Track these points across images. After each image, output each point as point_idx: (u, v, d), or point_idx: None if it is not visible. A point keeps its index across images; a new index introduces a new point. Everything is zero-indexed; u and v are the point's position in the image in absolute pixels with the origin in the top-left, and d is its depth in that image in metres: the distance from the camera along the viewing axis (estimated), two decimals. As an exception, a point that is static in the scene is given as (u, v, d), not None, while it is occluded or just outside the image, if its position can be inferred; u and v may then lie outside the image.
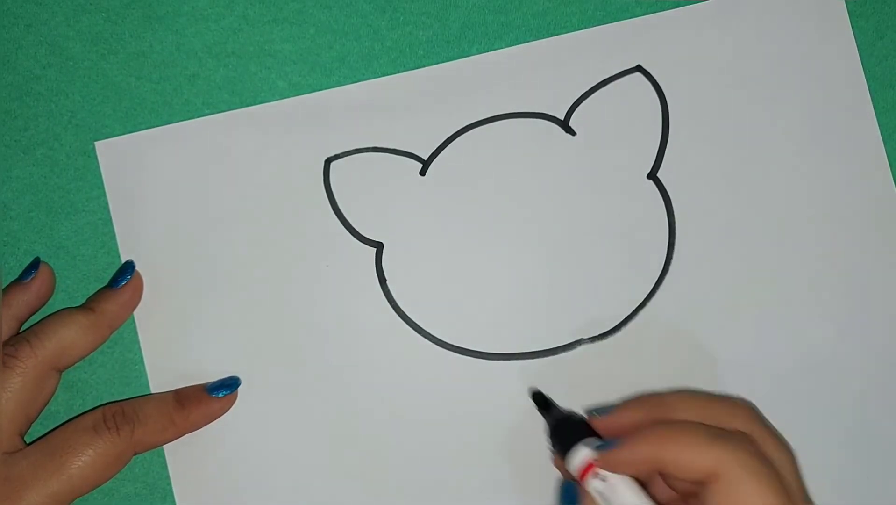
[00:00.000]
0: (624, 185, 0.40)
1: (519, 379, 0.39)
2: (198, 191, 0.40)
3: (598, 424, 0.35)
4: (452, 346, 0.39)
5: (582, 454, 0.33)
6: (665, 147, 0.40)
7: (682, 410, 0.33)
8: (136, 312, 0.39)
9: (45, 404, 0.37)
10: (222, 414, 0.38)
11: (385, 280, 0.39)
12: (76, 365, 0.38)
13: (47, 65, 0.40)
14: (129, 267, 0.39)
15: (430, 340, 0.39)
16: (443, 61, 0.40)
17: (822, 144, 0.40)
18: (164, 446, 0.38)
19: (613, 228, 0.40)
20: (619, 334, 0.39)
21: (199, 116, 0.40)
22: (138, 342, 0.39)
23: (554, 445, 0.36)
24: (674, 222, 0.40)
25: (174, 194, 0.40)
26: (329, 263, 0.39)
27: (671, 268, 0.39)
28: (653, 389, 0.39)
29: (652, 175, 0.40)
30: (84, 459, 0.34)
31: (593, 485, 0.33)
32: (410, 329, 0.39)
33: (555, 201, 0.40)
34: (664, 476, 0.33)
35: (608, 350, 0.39)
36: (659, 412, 0.33)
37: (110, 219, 0.39)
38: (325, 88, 0.40)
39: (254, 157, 0.40)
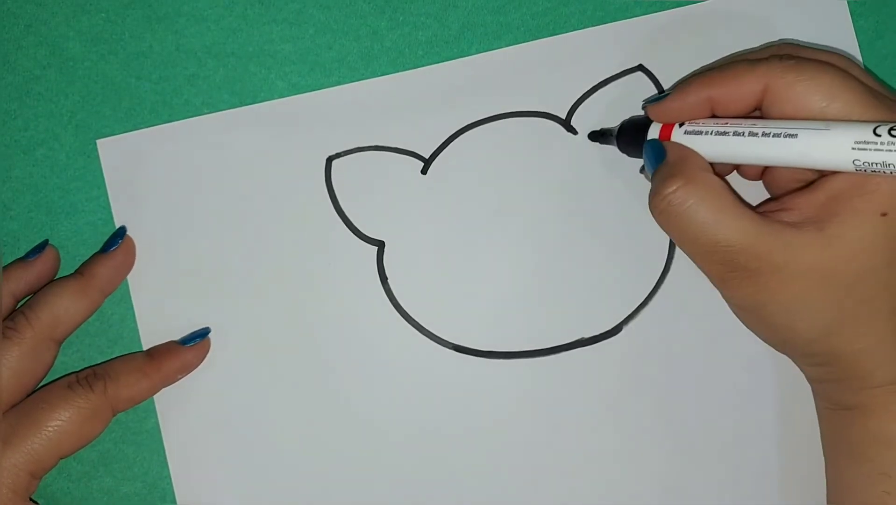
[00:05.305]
0: (625, 184, 0.40)
1: (519, 378, 0.39)
2: (199, 189, 0.39)
3: (653, 109, 0.36)
4: (453, 344, 0.39)
5: (651, 125, 0.36)
6: (665, 146, 0.40)
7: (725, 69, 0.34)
8: (136, 310, 0.39)
9: (43, 377, 0.37)
10: (196, 364, 0.38)
11: (386, 279, 0.39)
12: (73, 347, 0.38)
13: (47, 65, 0.40)
14: (120, 232, 0.39)
15: (431, 339, 0.39)
16: (442, 61, 0.40)
17: (823, 144, 0.40)
18: (166, 446, 0.39)
19: (614, 228, 0.40)
20: (619, 334, 0.39)
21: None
22: (139, 340, 0.39)
23: (627, 147, 0.38)
24: (674, 222, 0.40)
25: (175, 192, 0.39)
26: (330, 261, 0.39)
27: (671, 268, 0.39)
28: (652, 389, 0.39)
29: (652, 174, 0.40)
30: (61, 416, 0.35)
31: (678, 135, 0.35)
32: (411, 328, 0.39)
33: (556, 200, 0.40)
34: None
35: (608, 350, 0.39)
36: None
37: (111, 219, 0.39)
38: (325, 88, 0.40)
39: (256, 155, 0.40)
